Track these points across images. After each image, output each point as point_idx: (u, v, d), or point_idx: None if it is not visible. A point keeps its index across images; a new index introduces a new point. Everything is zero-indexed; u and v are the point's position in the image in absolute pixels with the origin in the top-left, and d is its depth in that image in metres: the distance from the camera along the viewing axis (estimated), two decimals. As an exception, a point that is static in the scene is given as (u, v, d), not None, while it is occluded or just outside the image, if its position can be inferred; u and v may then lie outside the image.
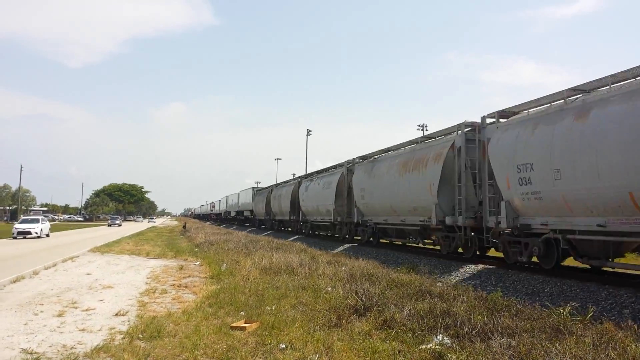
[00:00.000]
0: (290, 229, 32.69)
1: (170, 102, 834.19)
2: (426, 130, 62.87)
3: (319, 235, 35.30)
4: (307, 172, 40.04)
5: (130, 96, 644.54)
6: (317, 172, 35.39)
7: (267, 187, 54.06)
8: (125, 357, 6.69)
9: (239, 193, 70.43)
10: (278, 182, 54.80)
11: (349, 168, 27.80)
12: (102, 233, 50.00)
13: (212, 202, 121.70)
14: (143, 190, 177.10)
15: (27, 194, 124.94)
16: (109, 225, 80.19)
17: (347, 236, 28.30)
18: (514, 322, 7.94)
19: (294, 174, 67.34)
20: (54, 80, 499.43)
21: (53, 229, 50.01)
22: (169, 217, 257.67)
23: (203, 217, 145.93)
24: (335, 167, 31.29)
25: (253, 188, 59.42)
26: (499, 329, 7.58)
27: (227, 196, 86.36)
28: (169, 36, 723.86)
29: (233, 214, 76.99)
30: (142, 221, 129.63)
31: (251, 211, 58.69)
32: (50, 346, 7.43)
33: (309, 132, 69.96)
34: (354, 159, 27.34)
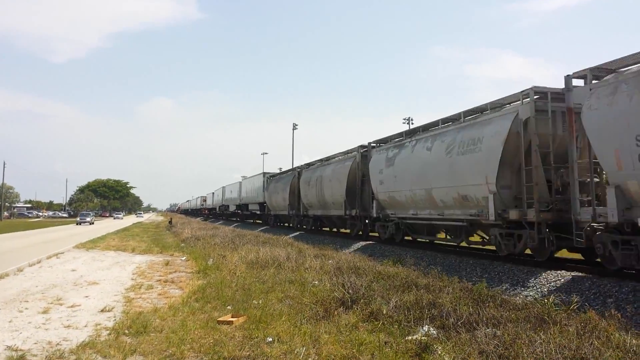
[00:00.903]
0: (360, 232, 24.82)
1: (156, 97, 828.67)
2: (412, 123, 62.74)
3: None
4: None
5: (115, 91, 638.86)
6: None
7: (289, 170, 40.11)
8: (112, 353, 6.66)
9: (240, 182, 58.78)
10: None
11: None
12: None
13: (203, 196, 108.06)
14: (128, 185, 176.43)
15: (11, 191, 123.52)
16: (78, 223, 66.66)
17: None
18: (499, 312, 8.02)
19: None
20: (37, 75, 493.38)
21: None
22: (154, 212, 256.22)
23: (192, 212, 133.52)
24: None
25: (264, 174, 46.41)
26: (484, 319, 7.65)
27: (223, 187, 73.43)
28: (154, 30, 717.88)
29: (232, 208, 64.84)
30: (121, 218, 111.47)
31: (261, 204, 46.46)
32: (35, 343, 7.38)
33: (295, 127, 69.52)
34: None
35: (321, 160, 31.44)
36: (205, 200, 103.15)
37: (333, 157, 29.64)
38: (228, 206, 68.46)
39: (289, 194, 34.86)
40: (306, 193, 31.55)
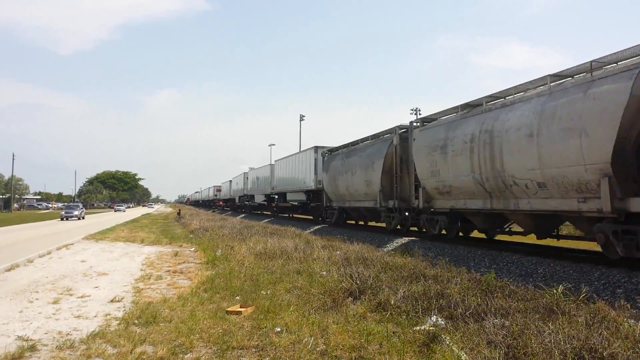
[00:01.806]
0: (398, 227, 21.58)
1: (163, 88, 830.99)
2: (419, 113, 62.27)
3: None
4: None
5: (122, 83, 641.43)
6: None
7: (374, 137, 24.53)
8: (121, 342, 6.71)
9: (272, 165, 46.12)
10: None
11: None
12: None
13: (218, 186, 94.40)
14: (136, 177, 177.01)
15: (20, 183, 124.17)
16: (63, 218, 52.71)
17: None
18: (507, 303, 8.00)
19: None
20: (44, 67, 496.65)
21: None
22: (162, 204, 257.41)
23: (203, 204, 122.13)
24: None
25: (317, 148, 32.72)
26: (493, 309, 7.64)
27: (245, 174, 60.61)
28: (160, 22, 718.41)
29: (260, 199, 51.56)
30: (123, 210, 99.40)
31: (311, 193, 34.17)
32: (45, 333, 7.44)
33: (302, 118, 69.26)
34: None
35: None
36: (219, 190, 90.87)
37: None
38: (253, 196, 55.94)
39: (381, 173, 21.44)
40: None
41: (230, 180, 75.25)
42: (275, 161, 45.03)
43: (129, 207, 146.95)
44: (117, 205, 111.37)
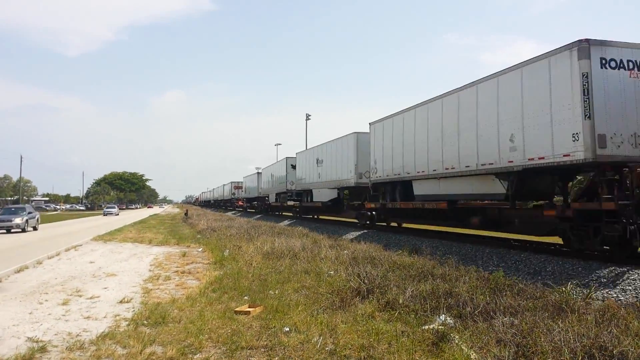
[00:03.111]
0: None
1: (169, 89, 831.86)
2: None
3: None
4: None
5: (128, 84, 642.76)
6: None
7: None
8: (131, 343, 6.74)
9: (322, 146, 32.23)
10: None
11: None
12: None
13: (237, 182, 76.54)
14: (144, 178, 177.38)
15: (28, 185, 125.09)
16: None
17: None
18: (516, 301, 7.98)
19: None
20: (52, 69, 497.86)
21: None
22: (170, 204, 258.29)
23: (216, 204, 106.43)
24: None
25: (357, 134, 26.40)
26: (502, 308, 7.63)
27: (286, 158, 42.16)
28: (166, 23, 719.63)
29: (323, 197, 32.49)
30: (115, 213, 72.46)
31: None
32: (55, 334, 7.48)
33: (308, 117, 69.29)
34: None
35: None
36: (239, 188, 73.93)
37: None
38: (291, 193, 39.86)
39: None
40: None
41: (254, 175, 58.91)
42: (339, 138, 29.42)
43: (136, 208, 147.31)
44: (108, 207, 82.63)
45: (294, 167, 39.76)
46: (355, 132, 26.89)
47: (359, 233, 23.64)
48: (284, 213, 48.12)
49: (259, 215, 52.77)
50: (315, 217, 38.09)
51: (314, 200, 34.18)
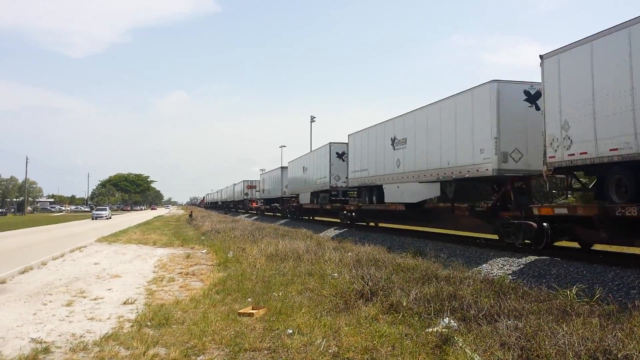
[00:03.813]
0: None
1: (173, 90, 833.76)
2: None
3: None
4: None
5: (132, 85, 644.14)
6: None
7: None
8: (134, 344, 6.74)
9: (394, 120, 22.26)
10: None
11: None
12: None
13: (250, 181, 67.40)
14: (149, 179, 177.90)
15: (34, 186, 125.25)
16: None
17: None
18: (520, 305, 7.95)
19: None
20: (57, 71, 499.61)
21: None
22: (174, 206, 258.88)
23: (224, 206, 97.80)
24: None
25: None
26: (506, 311, 7.60)
27: (314, 151, 36.61)
28: (170, 24, 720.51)
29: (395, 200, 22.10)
30: (107, 216, 61.08)
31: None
32: (59, 335, 7.49)
33: (313, 119, 69.10)
34: None
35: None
36: (252, 187, 65.48)
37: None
38: (341, 192, 32.23)
39: None
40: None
41: (284, 167, 46.45)
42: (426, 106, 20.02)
43: (141, 210, 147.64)
44: (97, 209, 71.67)
45: (340, 156, 30.40)
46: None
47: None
48: (323, 218, 37.25)
49: (283, 221, 42.09)
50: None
51: (389, 201, 23.03)
